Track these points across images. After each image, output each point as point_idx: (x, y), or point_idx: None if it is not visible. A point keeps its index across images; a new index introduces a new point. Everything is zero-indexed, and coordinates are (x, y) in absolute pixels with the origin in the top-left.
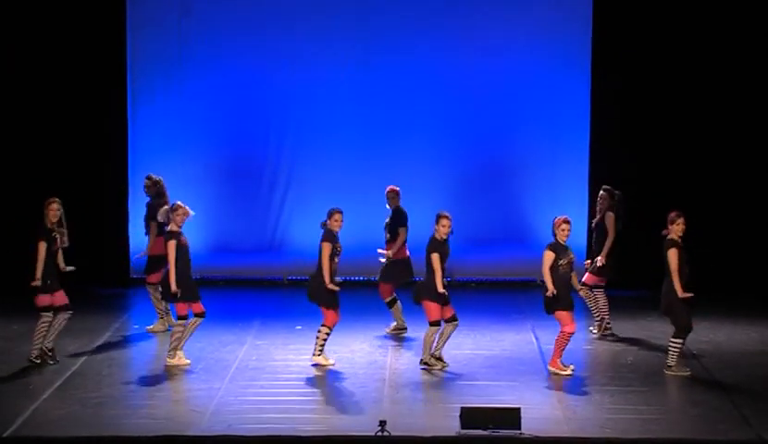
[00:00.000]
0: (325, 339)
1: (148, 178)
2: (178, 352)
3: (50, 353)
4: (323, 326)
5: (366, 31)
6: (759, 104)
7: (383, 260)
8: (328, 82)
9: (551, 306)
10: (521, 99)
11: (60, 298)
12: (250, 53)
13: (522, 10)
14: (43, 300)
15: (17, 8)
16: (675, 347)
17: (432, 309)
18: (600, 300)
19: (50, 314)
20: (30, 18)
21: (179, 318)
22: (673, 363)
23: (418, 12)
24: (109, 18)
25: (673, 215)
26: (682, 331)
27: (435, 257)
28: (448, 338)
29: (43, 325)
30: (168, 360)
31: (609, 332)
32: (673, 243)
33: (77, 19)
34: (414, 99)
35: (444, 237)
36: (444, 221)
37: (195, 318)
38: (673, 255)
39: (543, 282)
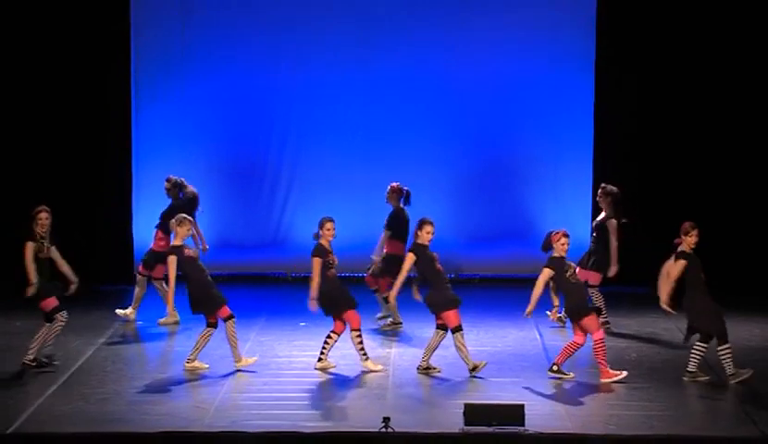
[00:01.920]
0: (330, 345)
1: (167, 179)
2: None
3: (45, 360)
4: (332, 332)
5: (369, 31)
6: (763, 102)
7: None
8: (331, 82)
9: (579, 315)
10: (525, 98)
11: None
12: (252, 53)
13: (525, 9)
14: (50, 302)
15: (21, 9)
16: (698, 351)
17: (450, 316)
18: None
19: (64, 313)
20: (35, 18)
21: (209, 326)
22: (694, 369)
23: (420, 12)
24: (113, 18)
25: (687, 225)
26: (720, 337)
27: (410, 257)
28: (436, 348)
29: (58, 326)
30: (186, 364)
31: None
32: (682, 255)
33: (81, 20)
34: (416, 98)
35: (426, 243)
36: (428, 227)
37: (208, 329)
38: (679, 266)
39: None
